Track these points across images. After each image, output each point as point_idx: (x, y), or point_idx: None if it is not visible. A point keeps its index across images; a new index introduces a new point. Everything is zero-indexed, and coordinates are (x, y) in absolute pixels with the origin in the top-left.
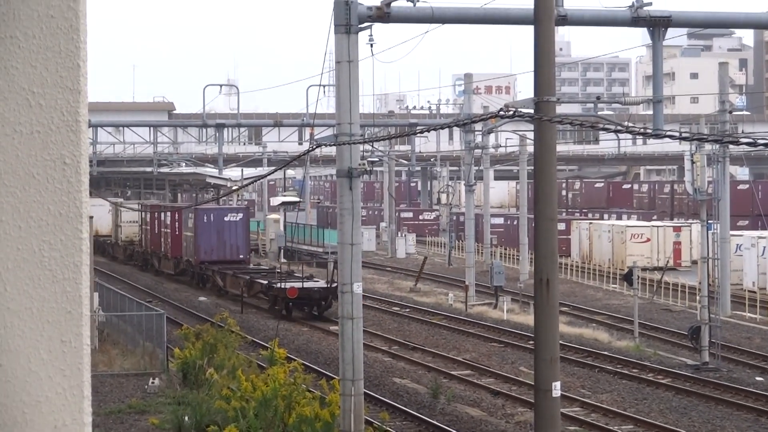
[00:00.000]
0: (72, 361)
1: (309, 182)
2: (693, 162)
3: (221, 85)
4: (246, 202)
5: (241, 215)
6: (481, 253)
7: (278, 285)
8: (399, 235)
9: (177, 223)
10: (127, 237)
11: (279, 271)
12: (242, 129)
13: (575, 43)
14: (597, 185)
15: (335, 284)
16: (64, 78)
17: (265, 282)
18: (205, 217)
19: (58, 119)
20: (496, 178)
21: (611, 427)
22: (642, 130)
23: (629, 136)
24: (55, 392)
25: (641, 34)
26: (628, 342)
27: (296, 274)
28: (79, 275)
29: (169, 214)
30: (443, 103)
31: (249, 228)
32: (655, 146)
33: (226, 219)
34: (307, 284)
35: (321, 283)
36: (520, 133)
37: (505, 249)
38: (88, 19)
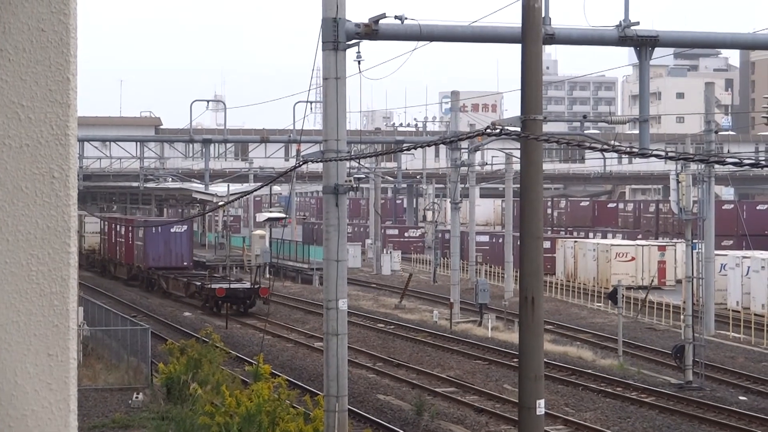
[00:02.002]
0: (58, 375)
1: (295, 198)
2: (678, 181)
3: (208, 101)
4: (232, 218)
5: (185, 227)
6: (466, 270)
7: (209, 285)
8: (384, 251)
9: (130, 234)
10: (90, 246)
11: (212, 274)
12: (229, 145)
13: (562, 61)
14: (582, 204)
15: (257, 285)
16: (54, 92)
17: (199, 283)
18: (154, 228)
19: (48, 133)
20: (481, 196)
21: None
22: (628, 149)
23: (615, 155)
24: (41, 406)
25: (628, 54)
26: (612, 360)
27: (228, 278)
28: (66, 289)
29: (124, 224)
30: (430, 120)
31: (193, 238)
32: (640, 165)
33: (172, 230)
34: (234, 285)
35: (246, 285)
36: (507, 151)
37: (490, 267)
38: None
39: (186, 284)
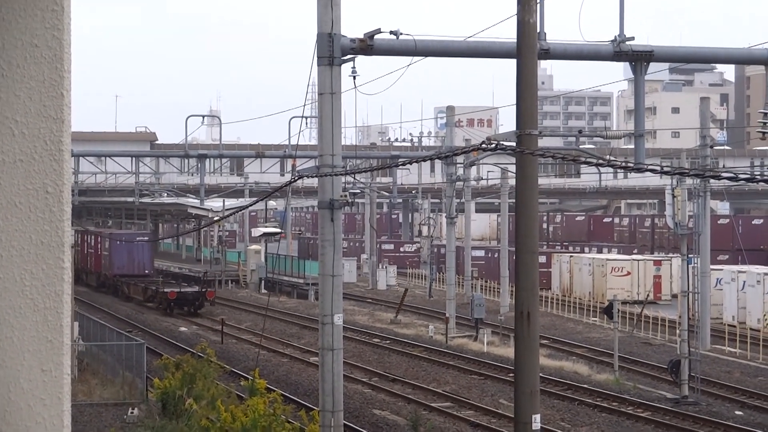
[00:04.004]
0: (52, 391)
1: (290, 213)
2: (674, 196)
3: (204, 116)
4: (227, 233)
5: (147, 238)
6: (462, 285)
7: (162, 290)
8: (380, 266)
9: (99, 244)
10: None
11: (165, 280)
12: (224, 160)
13: (557, 76)
14: (578, 218)
15: (205, 289)
16: (48, 107)
17: (154, 288)
18: (118, 239)
19: (41, 148)
20: (477, 211)
21: None
22: (623, 164)
23: (610, 169)
24: (35, 422)
25: (623, 69)
26: (608, 375)
27: (182, 283)
28: (60, 304)
29: (93, 236)
30: (425, 135)
31: (153, 248)
32: (636, 180)
33: (134, 241)
34: (184, 289)
35: (195, 288)
36: (502, 166)
37: (486, 281)
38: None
39: (144, 289)
